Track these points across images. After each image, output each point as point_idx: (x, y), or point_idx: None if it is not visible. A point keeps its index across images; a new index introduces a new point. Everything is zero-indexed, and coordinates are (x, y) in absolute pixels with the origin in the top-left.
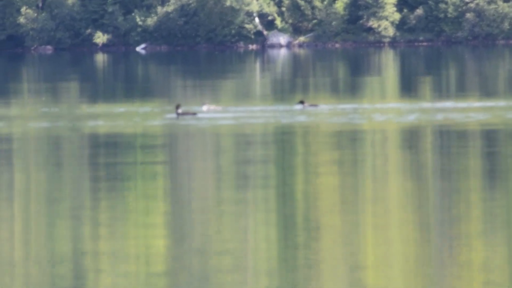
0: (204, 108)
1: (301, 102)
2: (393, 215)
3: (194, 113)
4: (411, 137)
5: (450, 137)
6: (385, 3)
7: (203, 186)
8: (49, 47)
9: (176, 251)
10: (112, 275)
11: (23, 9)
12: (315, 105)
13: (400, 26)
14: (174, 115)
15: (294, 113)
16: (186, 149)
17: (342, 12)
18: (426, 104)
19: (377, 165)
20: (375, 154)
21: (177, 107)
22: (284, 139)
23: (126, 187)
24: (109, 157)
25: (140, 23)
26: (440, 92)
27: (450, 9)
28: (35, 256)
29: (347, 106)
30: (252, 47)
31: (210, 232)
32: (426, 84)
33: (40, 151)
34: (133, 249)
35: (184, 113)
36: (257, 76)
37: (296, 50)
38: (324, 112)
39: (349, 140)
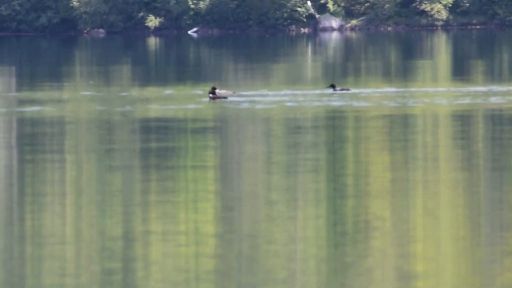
0: (211, 95)
1: (332, 86)
2: (443, 205)
3: (225, 97)
4: (463, 122)
5: (502, 122)
6: None
7: (253, 171)
8: (101, 30)
9: (226, 236)
10: (161, 258)
11: None
12: (347, 89)
13: (453, 9)
14: (207, 99)
15: (344, 97)
16: (236, 133)
17: None
18: (479, 88)
19: (427, 151)
20: (426, 139)
21: (213, 89)
22: (334, 124)
23: (176, 172)
24: (159, 142)
25: (192, 6)
26: (493, 76)
27: None
28: (85, 238)
29: (398, 89)
30: (304, 30)
31: (260, 219)
32: (478, 67)
33: (91, 135)
34: (183, 234)
35: (216, 97)
36: (309, 60)
37: (348, 33)
38: (374, 95)
39: (400, 124)
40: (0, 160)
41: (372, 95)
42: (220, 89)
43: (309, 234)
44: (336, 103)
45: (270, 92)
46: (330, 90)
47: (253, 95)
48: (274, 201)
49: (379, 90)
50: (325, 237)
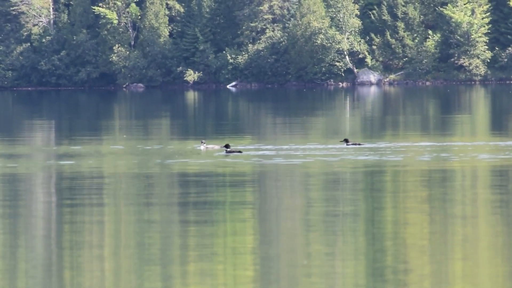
0: (202, 147)
1: (346, 140)
2: (482, 259)
3: (240, 151)
4: (501, 176)
5: None
6: (477, 42)
7: (292, 226)
8: (140, 84)
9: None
10: None
11: (115, 47)
12: (358, 144)
13: (491, 64)
14: (223, 153)
15: (382, 151)
16: (274, 187)
17: (433, 50)
18: None
19: (466, 205)
20: (464, 193)
21: (227, 146)
22: (372, 178)
23: (215, 227)
24: (198, 196)
25: (231, 61)
26: None
27: None
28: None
29: (436, 144)
30: (342, 84)
31: (298, 275)
32: None
33: (130, 188)
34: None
35: (231, 151)
36: (347, 114)
37: (387, 87)
38: (413, 149)
39: (438, 179)
40: (39, 213)
41: (410, 149)
42: (207, 144)
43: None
44: (373, 157)
45: (307, 146)
46: (344, 145)
47: (290, 149)
48: (312, 256)
49: (417, 144)
50: None
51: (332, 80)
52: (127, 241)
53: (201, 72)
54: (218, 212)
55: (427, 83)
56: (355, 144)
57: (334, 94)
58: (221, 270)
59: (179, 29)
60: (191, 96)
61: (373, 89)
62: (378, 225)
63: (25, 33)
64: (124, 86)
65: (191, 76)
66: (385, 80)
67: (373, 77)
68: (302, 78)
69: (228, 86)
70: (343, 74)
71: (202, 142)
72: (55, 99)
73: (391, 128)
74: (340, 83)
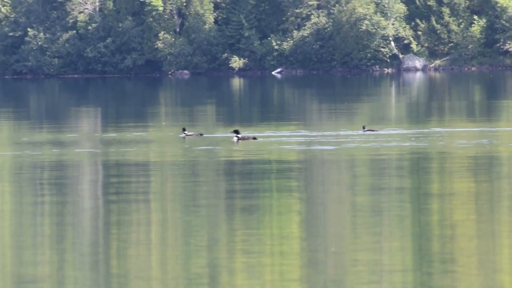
0: (182, 135)
1: (363, 127)
2: None
3: (254, 138)
4: None
5: None
6: None
7: (338, 214)
8: (186, 71)
9: (311, 280)
10: None
11: (161, 34)
12: (374, 130)
13: None
14: (234, 140)
15: (427, 137)
16: (320, 175)
17: (478, 36)
18: None
19: None
20: (511, 179)
21: (236, 132)
22: (418, 164)
23: (262, 214)
24: (243, 184)
25: (276, 47)
26: None
27: None
28: (170, 281)
29: (483, 129)
30: (388, 70)
31: (345, 262)
32: None
33: (176, 176)
34: (268, 274)
35: (243, 138)
36: (393, 100)
37: (432, 73)
38: (459, 135)
39: (485, 165)
40: (86, 201)
41: (456, 135)
42: (188, 132)
43: (395, 277)
44: (420, 143)
45: (351, 132)
46: (361, 131)
47: (335, 135)
48: (359, 244)
49: (463, 129)
50: (411, 280)
51: (377, 66)
52: (174, 228)
53: (246, 59)
54: (265, 199)
55: (473, 68)
56: (369, 130)
57: (379, 80)
58: (268, 258)
59: (224, 16)
60: (237, 82)
61: (419, 74)
62: (425, 213)
63: (71, 21)
64: (170, 73)
65: (236, 62)
66: (431, 65)
67: (418, 62)
68: (347, 64)
69: (273, 73)
70: (388, 60)
71: (183, 129)
72: (101, 87)
73: (437, 114)
74: (386, 69)
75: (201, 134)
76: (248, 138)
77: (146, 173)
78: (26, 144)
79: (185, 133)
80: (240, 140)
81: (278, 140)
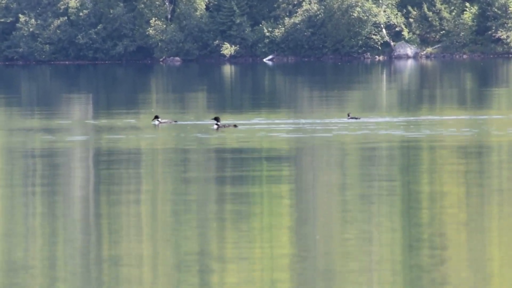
0: (155, 122)
1: (348, 114)
2: None
3: (235, 125)
4: None
5: None
6: None
7: (328, 199)
8: (177, 58)
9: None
10: (237, 285)
11: (152, 21)
12: (357, 118)
13: None
14: (214, 127)
15: (418, 125)
16: (310, 162)
17: (470, 23)
18: None
19: (503, 182)
20: (501, 169)
21: (216, 119)
22: (408, 153)
23: (252, 201)
24: (234, 171)
25: (267, 34)
26: None
27: None
28: (161, 267)
29: (473, 117)
30: (379, 58)
31: (334, 250)
32: None
33: (167, 163)
34: (258, 260)
35: (223, 125)
36: (384, 87)
37: (423, 61)
38: (449, 123)
39: (475, 154)
40: (77, 189)
41: (446, 123)
42: (161, 119)
43: (384, 265)
44: (411, 132)
45: (341, 120)
46: (345, 119)
47: (327, 123)
48: (348, 233)
49: (453, 117)
50: (400, 269)
51: (368, 54)
52: (164, 216)
53: (237, 46)
54: (255, 187)
55: (464, 56)
56: (352, 118)
57: (370, 68)
58: (258, 247)
59: (216, 2)
60: (228, 69)
61: (410, 62)
62: (414, 200)
63: (62, 7)
64: (161, 59)
65: (228, 49)
66: (422, 53)
67: (410, 50)
68: (339, 51)
69: (264, 60)
70: (379, 48)
71: (156, 117)
72: (92, 73)
73: (428, 101)
74: (377, 57)
75: (175, 121)
76: (228, 125)
77: (137, 160)
78: (17, 130)
79: (158, 120)
80: (220, 128)
81: (265, 128)
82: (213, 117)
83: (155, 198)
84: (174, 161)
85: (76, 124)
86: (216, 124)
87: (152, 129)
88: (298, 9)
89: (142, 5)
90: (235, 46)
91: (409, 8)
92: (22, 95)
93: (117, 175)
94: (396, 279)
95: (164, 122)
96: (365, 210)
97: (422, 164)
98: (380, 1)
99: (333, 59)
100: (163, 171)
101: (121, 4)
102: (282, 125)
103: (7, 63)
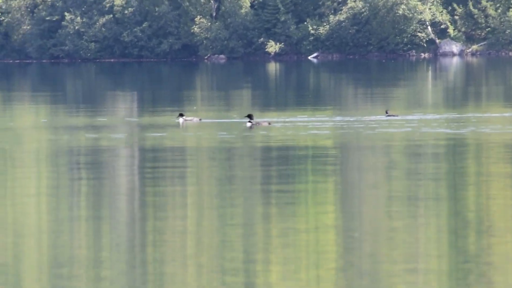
0: (180, 120)
1: (386, 112)
2: None
3: (269, 123)
4: None
5: None
6: None
7: (374, 198)
8: (222, 56)
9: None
10: (282, 283)
11: (197, 19)
12: (395, 115)
13: None
14: (247, 125)
15: (463, 122)
16: (357, 160)
17: None
18: None
19: None
20: None
21: (250, 116)
22: (455, 150)
23: (297, 198)
24: (280, 169)
25: (312, 31)
26: None
27: None
28: (206, 266)
29: None
30: (424, 55)
31: (381, 248)
32: None
33: (212, 161)
34: (304, 261)
35: (257, 123)
36: (429, 85)
37: (469, 58)
38: (496, 121)
39: None
40: (122, 186)
41: (492, 120)
42: (186, 117)
43: (430, 265)
44: (457, 130)
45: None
46: (383, 116)
47: (372, 120)
48: (395, 231)
49: (499, 115)
50: (447, 270)
51: (414, 51)
52: (209, 213)
53: (282, 43)
54: (301, 184)
55: (510, 53)
56: (390, 115)
57: (416, 65)
58: (304, 245)
59: (260, 0)
60: (273, 67)
61: (456, 59)
62: (461, 200)
63: (108, 5)
64: (206, 57)
65: (273, 47)
66: (468, 50)
67: (455, 47)
68: (384, 49)
69: (309, 57)
70: (425, 45)
71: (181, 115)
72: (137, 71)
73: (474, 99)
74: (422, 54)
75: (200, 119)
76: (261, 123)
77: (181, 158)
78: (62, 128)
79: (183, 118)
80: (253, 126)
81: (308, 125)
82: (247, 114)
83: (200, 197)
84: (218, 159)
85: (120, 122)
86: (250, 122)
87: (194, 127)
88: (343, 7)
89: (187, 3)
90: (280, 43)
91: (455, 5)
92: (67, 93)
93: (161, 174)
94: (442, 279)
95: (189, 120)
96: (411, 208)
97: (469, 161)
98: None
99: (378, 56)
100: (207, 169)
101: (166, 2)
102: (326, 123)
103: (52, 61)
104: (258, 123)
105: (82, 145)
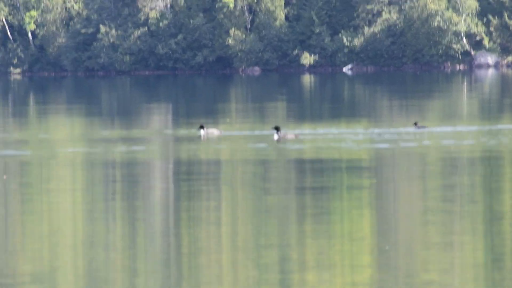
0: (202, 132)
1: (415, 124)
2: None
3: (296, 135)
4: None
5: None
6: None
7: (409, 210)
8: (256, 68)
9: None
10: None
11: (231, 31)
12: (424, 127)
13: None
14: (274, 138)
15: (500, 135)
16: (391, 172)
17: None
18: None
19: None
20: None
21: (277, 129)
22: (490, 163)
23: (332, 212)
24: (314, 182)
25: (347, 43)
26: None
27: None
28: (241, 268)
29: None
30: (459, 67)
31: (416, 261)
32: None
33: (246, 173)
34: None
35: (284, 135)
36: (464, 96)
37: (505, 70)
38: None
39: None
40: (157, 199)
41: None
42: (207, 129)
43: (466, 276)
44: (492, 142)
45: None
46: (412, 128)
47: (404, 133)
48: (430, 245)
49: None
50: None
51: (449, 63)
52: (244, 226)
53: (317, 55)
54: (335, 197)
55: None
56: (420, 128)
57: (451, 77)
58: (338, 257)
59: (295, 12)
60: (307, 79)
61: (491, 71)
62: (497, 210)
63: (142, 17)
64: (241, 69)
65: (307, 59)
66: (503, 62)
67: (490, 59)
68: (419, 60)
69: (344, 69)
70: (460, 57)
71: (201, 127)
72: (172, 83)
73: (510, 110)
74: (457, 66)
75: (221, 132)
76: (288, 135)
77: (216, 170)
78: (97, 141)
79: (204, 130)
80: (280, 138)
81: (343, 137)
82: (274, 126)
83: (235, 209)
84: (252, 171)
85: (155, 134)
86: (277, 134)
87: (225, 139)
88: (378, 19)
89: (222, 15)
90: (315, 55)
91: (490, 17)
92: (102, 105)
93: (196, 186)
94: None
95: (210, 133)
96: (446, 220)
97: (503, 174)
98: (461, 10)
99: (412, 68)
100: (242, 181)
101: (201, 15)
102: (360, 135)
103: (87, 73)
104: (285, 135)
105: (117, 157)
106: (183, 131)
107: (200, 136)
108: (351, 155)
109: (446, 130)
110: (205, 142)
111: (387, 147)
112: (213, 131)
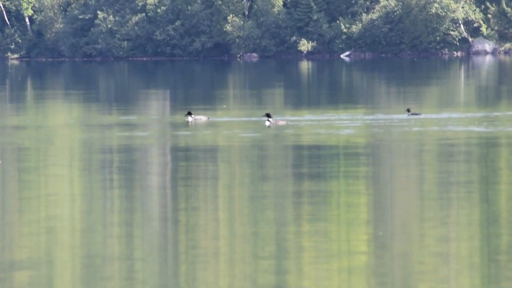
0: (189, 119)
1: (408, 110)
2: None
3: (287, 122)
4: None
5: None
6: None
7: (405, 198)
8: (254, 54)
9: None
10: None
11: (229, 17)
12: (418, 114)
13: None
14: (266, 124)
15: (495, 121)
16: (388, 158)
17: None
18: None
19: None
20: None
21: (268, 115)
22: (487, 150)
23: (329, 197)
24: (311, 168)
25: (344, 30)
26: None
27: None
28: (238, 255)
29: None
30: (457, 54)
31: (412, 244)
32: None
33: (245, 160)
34: (335, 259)
35: (276, 122)
36: (462, 83)
37: (502, 57)
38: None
39: None
40: (154, 185)
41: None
42: (195, 116)
43: (462, 263)
44: (490, 129)
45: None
46: (406, 115)
47: (403, 119)
48: (426, 230)
49: None
50: (479, 273)
51: (446, 50)
52: (241, 214)
53: (314, 42)
54: (332, 183)
55: None
56: (413, 114)
57: (448, 64)
58: (335, 244)
59: None
60: (305, 65)
61: (488, 58)
62: (493, 197)
63: (140, 3)
64: (238, 56)
65: (305, 46)
66: (501, 49)
67: (488, 46)
68: (416, 47)
69: (341, 56)
70: (457, 44)
71: (189, 113)
72: (170, 69)
73: (507, 97)
74: (455, 53)
75: (208, 118)
76: (279, 122)
77: (213, 157)
78: (95, 126)
79: (192, 117)
80: (272, 124)
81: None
82: (265, 113)
83: (232, 195)
84: (249, 156)
85: (152, 120)
86: (268, 121)
87: (226, 125)
88: (376, 5)
89: (220, 2)
90: (312, 42)
91: (487, 3)
92: (100, 91)
93: (193, 171)
94: (474, 279)
95: (198, 119)
96: (443, 207)
97: (500, 161)
98: None
99: (410, 55)
100: (239, 167)
101: (199, 1)
102: (357, 121)
103: (85, 59)
104: (276, 121)
105: (114, 143)
106: (180, 117)
107: (188, 122)
108: (348, 142)
109: (440, 117)
110: (194, 128)
111: (383, 132)
112: (201, 118)
